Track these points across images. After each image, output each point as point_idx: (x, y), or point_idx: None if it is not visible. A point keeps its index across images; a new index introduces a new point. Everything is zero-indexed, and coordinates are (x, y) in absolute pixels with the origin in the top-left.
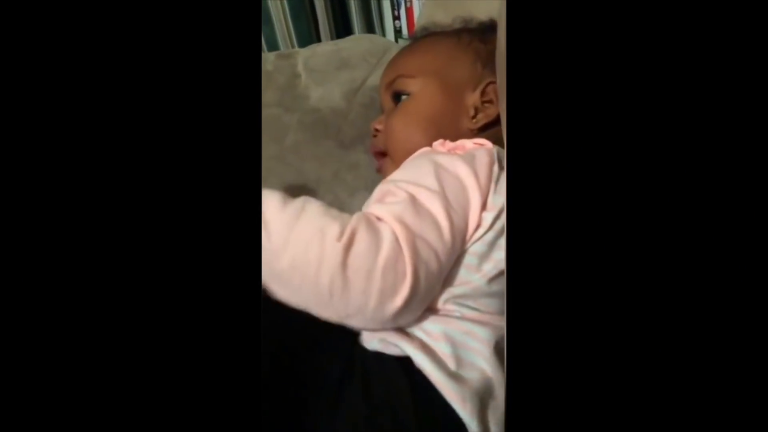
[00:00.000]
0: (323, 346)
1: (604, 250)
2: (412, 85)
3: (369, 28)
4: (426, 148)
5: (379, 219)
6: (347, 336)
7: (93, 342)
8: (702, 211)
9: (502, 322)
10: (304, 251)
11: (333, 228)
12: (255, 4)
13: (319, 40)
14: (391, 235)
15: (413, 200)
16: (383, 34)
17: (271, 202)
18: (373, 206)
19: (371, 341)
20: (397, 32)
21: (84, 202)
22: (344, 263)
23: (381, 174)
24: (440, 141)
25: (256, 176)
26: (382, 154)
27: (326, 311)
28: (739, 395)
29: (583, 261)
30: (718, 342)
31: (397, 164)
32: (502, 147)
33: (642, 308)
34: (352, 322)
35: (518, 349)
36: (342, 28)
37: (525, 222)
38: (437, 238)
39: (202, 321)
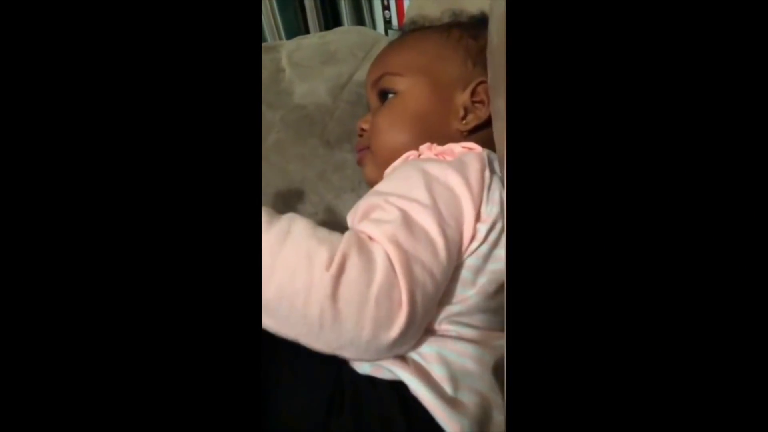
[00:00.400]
0: (309, 369)
1: (607, 255)
2: (400, 84)
3: (359, 19)
4: (413, 152)
5: (371, 239)
6: (334, 358)
7: (88, 342)
8: (703, 214)
9: (499, 341)
10: (291, 280)
11: (321, 254)
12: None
13: (307, 31)
14: (385, 259)
15: (406, 217)
16: (373, 24)
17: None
18: (363, 224)
19: (362, 365)
20: (387, 23)
21: (79, 199)
22: (334, 294)
23: (360, 166)
24: (427, 145)
25: (256, 175)
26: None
27: (317, 343)
28: (741, 398)
29: (585, 266)
30: (720, 348)
31: (378, 160)
32: (493, 150)
33: (649, 318)
34: (345, 354)
35: (519, 364)
36: (331, 19)
37: (525, 225)
38: (432, 257)
39: (198, 324)
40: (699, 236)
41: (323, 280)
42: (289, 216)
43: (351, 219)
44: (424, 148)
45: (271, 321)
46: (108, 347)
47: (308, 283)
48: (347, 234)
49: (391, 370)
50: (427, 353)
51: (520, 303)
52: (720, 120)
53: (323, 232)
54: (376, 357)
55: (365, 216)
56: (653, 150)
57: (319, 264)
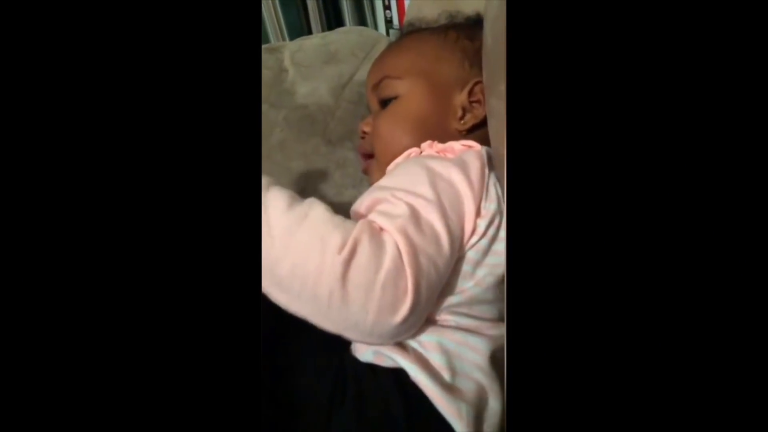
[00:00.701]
0: (312, 358)
1: (604, 250)
2: (400, 87)
3: (360, 19)
4: (414, 149)
5: (381, 230)
6: (338, 347)
7: (90, 341)
8: (701, 208)
9: (497, 330)
10: (305, 260)
11: (335, 238)
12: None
13: (309, 30)
14: (394, 249)
15: (413, 212)
16: (374, 24)
17: (277, 203)
18: (373, 215)
19: (365, 353)
20: (388, 22)
21: (80, 200)
22: (344, 277)
23: (366, 174)
24: (429, 142)
25: (256, 173)
26: (370, 156)
27: (324, 322)
28: (741, 397)
29: (583, 262)
30: (719, 346)
31: (382, 166)
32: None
33: (645, 311)
34: (350, 335)
35: (518, 355)
36: (333, 19)
37: (525, 223)
38: (437, 250)
39: (199, 323)
40: (696, 231)
41: (334, 262)
42: (309, 200)
43: (355, 211)
44: (425, 145)
45: (283, 297)
46: (107, 334)
47: (320, 264)
48: (360, 222)
49: (392, 357)
50: (426, 342)
51: (520, 296)
52: (719, 120)
53: (339, 218)
54: (379, 341)
55: (371, 209)
56: (650, 146)
57: (332, 247)
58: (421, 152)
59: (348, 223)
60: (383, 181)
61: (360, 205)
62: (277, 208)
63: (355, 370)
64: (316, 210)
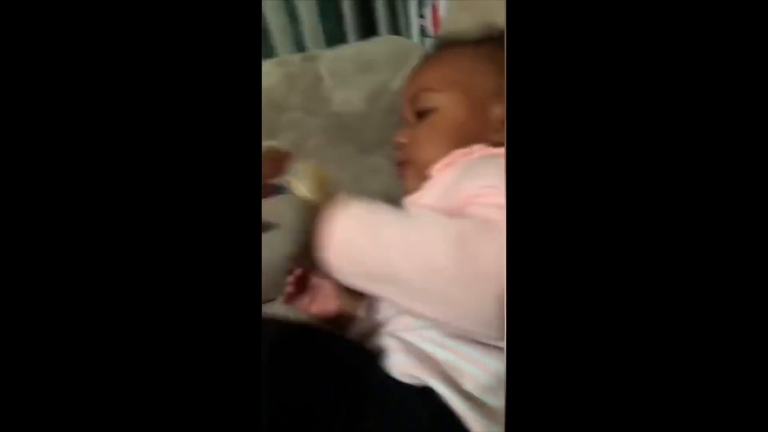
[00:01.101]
0: (338, 371)
1: (605, 253)
2: (437, 100)
3: (394, 26)
4: (463, 150)
5: (491, 222)
6: (364, 360)
7: (91, 342)
8: (703, 215)
9: None
10: (421, 260)
11: (445, 233)
12: (255, 6)
13: (345, 39)
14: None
15: None
16: (409, 31)
17: (383, 216)
18: (475, 208)
19: (392, 368)
20: (422, 31)
21: (86, 205)
22: (458, 268)
23: (401, 179)
24: (479, 145)
25: (257, 176)
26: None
27: (437, 313)
28: (741, 399)
29: (584, 265)
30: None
31: (421, 173)
32: None
33: (646, 316)
34: (465, 325)
35: (519, 365)
36: (368, 27)
37: (524, 225)
38: None
39: (201, 330)
40: (697, 236)
41: (448, 256)
42: (413, 208)
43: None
44: (476, 147)
45: (406, 298)
46: (110, 334)
47: (436, 260)
48: (470, 215)
49: (419, 377)
50: (464, 352)
51: (520, 298)
52: (719, 124)
53: (443, 216)
54: (496, 334)
55: (468, 204)
56: (650, 149)
57: (444, 242)
58: (472, 154)
59: (459, 219)
60: (461, 180)
61: (444, 203)
62: (384, 220)
63: (382, 384)
64: (420, 212)
